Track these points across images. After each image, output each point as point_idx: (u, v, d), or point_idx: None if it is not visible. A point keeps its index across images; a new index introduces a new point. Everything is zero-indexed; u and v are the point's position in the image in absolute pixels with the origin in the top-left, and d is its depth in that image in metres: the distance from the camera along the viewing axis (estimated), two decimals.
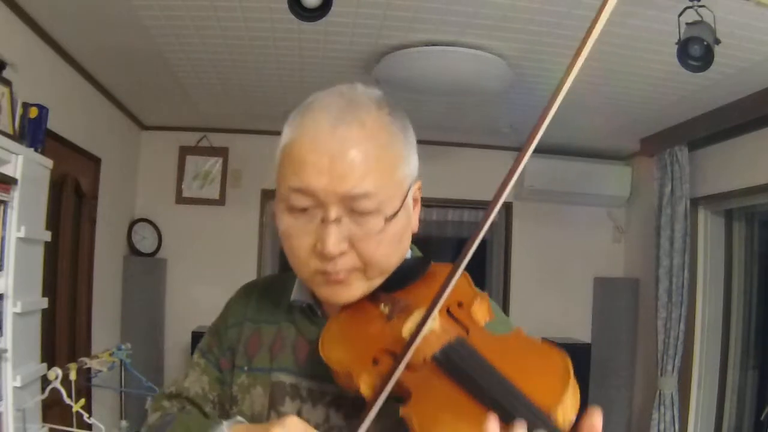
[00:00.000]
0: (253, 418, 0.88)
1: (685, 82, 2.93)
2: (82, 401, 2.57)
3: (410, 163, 0.85)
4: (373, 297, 0.85)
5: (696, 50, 2.22)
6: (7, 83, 2.30)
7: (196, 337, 3.92)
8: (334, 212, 0.78)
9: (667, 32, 2.31)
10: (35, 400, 2.35)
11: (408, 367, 0.72)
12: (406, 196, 0.83)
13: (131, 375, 3.32)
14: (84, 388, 3.08)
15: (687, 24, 2.20)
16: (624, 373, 4.42)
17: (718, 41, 2.20)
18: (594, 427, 0.61)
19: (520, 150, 0.70)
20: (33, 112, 2.45)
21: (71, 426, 2.54)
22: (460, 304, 0.81)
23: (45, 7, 2.50)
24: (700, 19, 2.17)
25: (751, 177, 3.29)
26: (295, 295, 0.93)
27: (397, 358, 0.72)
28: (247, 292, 1.02)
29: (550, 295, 4.55)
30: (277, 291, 0.98)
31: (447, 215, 4.60)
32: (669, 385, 3.71)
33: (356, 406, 0.78)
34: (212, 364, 0.97)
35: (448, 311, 0.80)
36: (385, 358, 0.76)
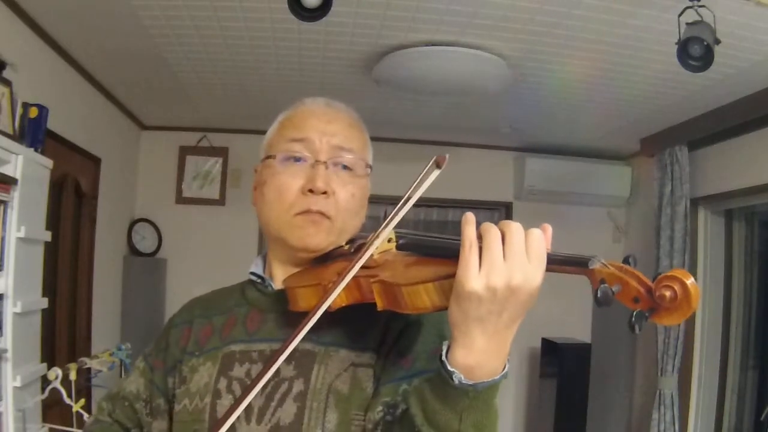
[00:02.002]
0: (199, 391, 0.95)
1: (685, 82, 2.93)
2: (82, 401, 2.57)
3: (371, 156, 1.05)
4: (334, 252, 0.98)
5: (696, 50, 2.21)
6: (7, 83, 2.30)
7: None
8: (324, 156, 0.97)
9: (667, 32, 2.31)
10: (35, 400, 2.35)
11: (366, 268, 0.83)
12: (366, 176, 1.02)
13: None
14: (84, 388, 3.08)
15: (687, 24, 2.20)
16: (624, 372, 4.42)
17: (718, 41, 2.20)
18: (547, 236, 0.71)
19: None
20: (33, 112, 2.45)
21: (71, 426, 2.54)
22: None
23: (45, 7, 2.50)
24: (700, 19, 2.17)
25: (751, 177, 3.29)
26: (253, 268, 1.06)
27: (359, 254, 0.82)
28: (196, 298, 1.13)
29: (550, 295, 4.51)
30: (226, 291, 1.10)
31: (447, 215, 4.61)
32: (669, 385, 3.71)
33: (308, 356, 0.90)
34: (148, 367, 1.07)
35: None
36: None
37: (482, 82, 3.01)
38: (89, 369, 2.97)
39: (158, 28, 2.66)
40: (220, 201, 4.43)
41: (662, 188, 3.87)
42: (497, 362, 0.72)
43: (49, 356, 2.79)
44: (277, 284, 1.01)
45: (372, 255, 0.84)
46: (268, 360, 0.92)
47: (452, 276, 0.70)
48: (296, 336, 0.80)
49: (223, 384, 0.93)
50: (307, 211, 0.95)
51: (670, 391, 3.70)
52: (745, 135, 3.35)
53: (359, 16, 2.51)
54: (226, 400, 0.92)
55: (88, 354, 3.22)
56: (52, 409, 2.62)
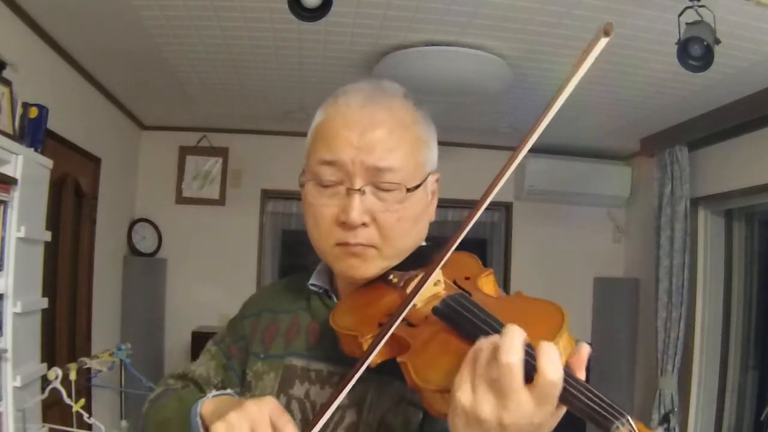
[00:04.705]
0: None
1: (685, 82, 2.93)
2: (82, 401, 2.57)
3: (431, 149, 0.92)
4: (385, 274, 0.89)
5: (696, 50, 2.22)
6: (7, 83, 2.30)
7: (196, 337, 3.92)
8: (359, 183, 0.83)
9: (667, 32, 2.31)
10: (35, 400, 2.35)
11: (409, 324, 0.75)
12: (425, 179, 0.89)
13: (131, 375, 3.32)
14: (84, 388, 3.08)
15: (687, 24, 2.20)
16: (624, 373, 4.42)
17: (718, 41, 2.20)
18: (581, 359, 0.61)
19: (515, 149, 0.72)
20: (33, 112, 2.45)
21: (71, 426, 2.54)
22: (467, 278, 0.85)
23: (45, 7, 2.50)
24: (700, 19, 2.17)
25: (751, 177, 3.29)
26: (313, 279, 0.98)
27: (396, 312, 0.74)
28: (269, 287, 1.08)
29: (550, 295, 4.39)
30: (297, 286, 1.02)
31: (447, 215, 4.60)
32: (669, 385, 3.71)
33: (360, 383, 0.81)
34: (222, 352, 1.01)
35: (455, 282, 0.84)
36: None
37: (482, 82, 3.01)
38: (89, 369, 2.98)
39: (158, 28, 2.66)
40: (220, 201, 4.43)
41: (662, 188, 3.87)
42: None
43: (49, 356, 2.78)
44: (341, 297, 0.96)
45: (415, 305, 0.76)
46: (324, 383, 0.88)
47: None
48: (336, 398, 0.73)
49: (282, 401, 0.89)
50: (346, 244, 0.85)
51: (670, 391, 3.70)
52: (745, 135, 3.35)
53: (359, 16, 2.51)
54: None
55: (88, 354, 3.22)
56: (52, 409, 2.62)
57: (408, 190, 0.85)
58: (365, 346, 0.77)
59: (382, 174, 0.84)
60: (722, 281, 3.77)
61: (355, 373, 0.72)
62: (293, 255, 4.73)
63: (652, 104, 3.40)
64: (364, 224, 0.84)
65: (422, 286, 0.74)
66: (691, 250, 3.75)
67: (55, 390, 2.46)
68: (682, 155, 3.76)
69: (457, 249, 0.79)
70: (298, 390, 0.89)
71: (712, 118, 3.42)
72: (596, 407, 0.56)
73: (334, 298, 0.96)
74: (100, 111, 3.61)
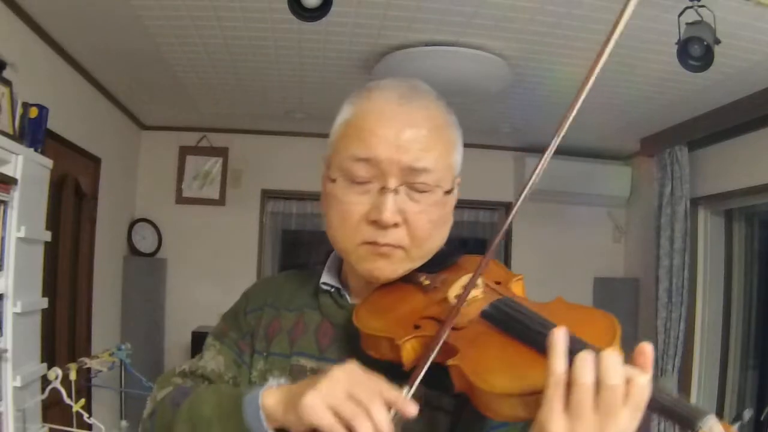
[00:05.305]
0: None
1: (685, 82, 2.93)
2: (82, 401, 2.57)
3: (459, 152, 0.90)
4: (411, 275, 0.88)
5: (696, 50, 2.22)
6: (7, 83, 2.30)
7: (196, 337, 3.92)
8: (393, 182, 0.82)
9: (667, 32, 2.31)
10: (35, 400, 2.36)
11: (452, 328, 0.74)
12: (454, 181, 0.88)
13: (131, 375, 3.32)
14: (84, 388, 3.08)
15: (687, 24, 2.20)
16: None
17: (718, 41, 2.20)
18: (646, 359, 0.62)
19: (539, 151, 0.72)
20: (33, 112, 2.45)
21: (71, 426, 2.54)
22: (498, 283, 0.85)
23: (45, 7, 2.50)
24: (700, 19, 2.17)
25: (751, 177, 3.29)
26: (324, 278, 0.95)
27: (444, 319, 0.74)
28: (268, 280, 1.05)
29: (550, 295, 4.52)
30: (299, 281, 0.99)
31: None
32: (669, 385, 3.71)
33: None
34: (228, 346, 0.96)
35: (487, 286, 0.83)
36: (427, 324, 0.77)
37: (482, 82, 3.01)
38: (89, 369, 2.98)
39: (158, 28, 2.66)
40: (220, 201, 4.43)
41: (662, 188, 3.88)
42: None
43: (49, 356, 2.78)
44: (354, 297, 0.93)
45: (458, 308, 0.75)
46: None
47: (540, 391, 0.62)
48: None
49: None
50: (374, 243, 0.83)
51: None
52: (745, 135, 3.35)
53: (359, 16, 2.51)
54: None
55: (88, 354, 3.22)
56: (52, 409, 2.62)
57: (445, 192, 0.85)
58: (405, 352, 0.76)
59: (417, 174, 0.82)
60: (722, 281, 3.77)
61: (414, 382, 0.71)
62: (293, 255, 4.74)
63: (652, 104, 3.40)
64: (395, 224, 0.82)
65: (469, 291, 0.74)
66: (691, 250, 3.75)
67: (55, 390, 2.46)
68: (682, 155, 3.76)
69: (477, 255, 0.81)
70: None
71: (712, 118, 3.42)
72: (679, 408, 0.59)
73: (347, 297, 0.93)
74: (100, 111, 3.61)
